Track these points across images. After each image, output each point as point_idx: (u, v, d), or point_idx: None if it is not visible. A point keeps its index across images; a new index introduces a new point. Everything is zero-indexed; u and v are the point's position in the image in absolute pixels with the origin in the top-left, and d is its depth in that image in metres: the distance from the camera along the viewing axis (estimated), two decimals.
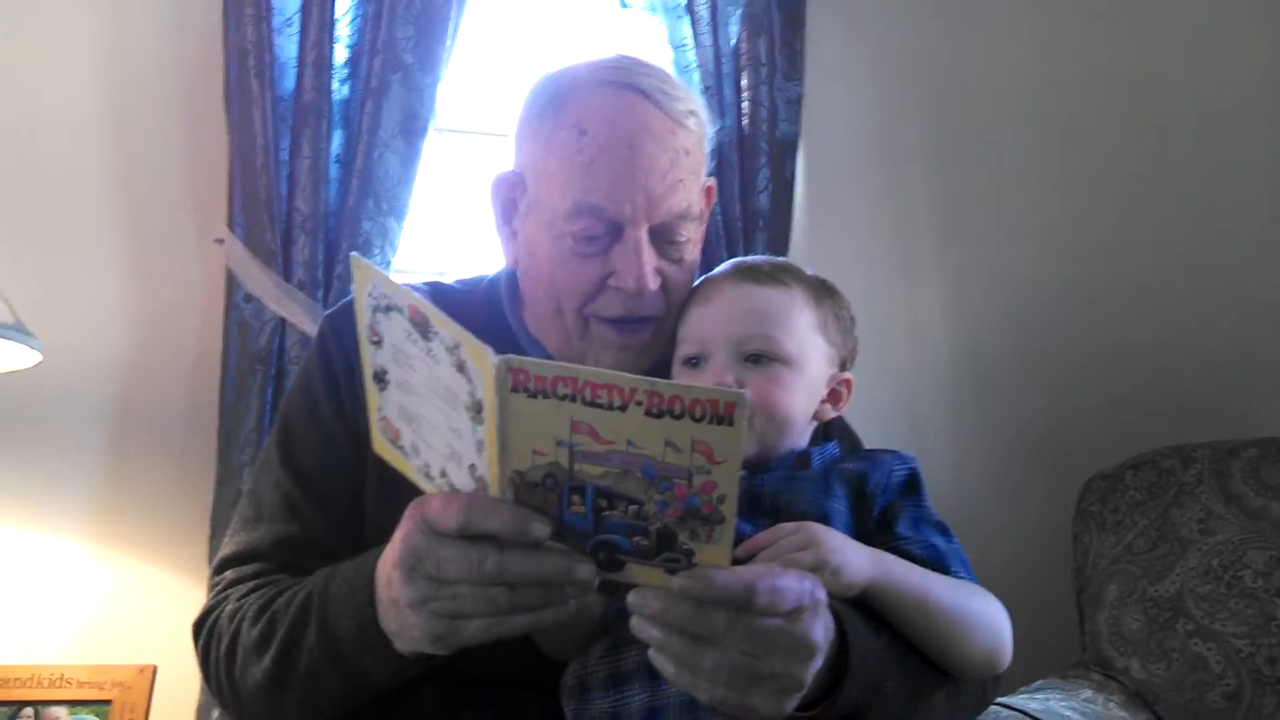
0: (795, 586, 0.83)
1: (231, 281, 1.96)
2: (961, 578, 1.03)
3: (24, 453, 1.92)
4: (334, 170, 2.02)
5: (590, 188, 1.11)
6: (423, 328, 0.80)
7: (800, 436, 1.11)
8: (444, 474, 0.85)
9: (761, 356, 1.07)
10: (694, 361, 1.11)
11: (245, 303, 1.95)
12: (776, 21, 2.31)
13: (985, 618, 1.02)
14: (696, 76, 2.23)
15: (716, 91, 2.24)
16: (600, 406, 0.74)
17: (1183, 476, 1.98)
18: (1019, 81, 2.51)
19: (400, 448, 0.90)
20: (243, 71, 1.98)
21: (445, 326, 0.78)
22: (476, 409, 0.77)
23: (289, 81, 2.02)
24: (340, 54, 2.05)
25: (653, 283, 1.13)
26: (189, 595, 1.89)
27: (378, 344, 0.87)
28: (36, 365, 1.72)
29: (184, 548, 1.92)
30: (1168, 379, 2.40)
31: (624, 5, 2.26)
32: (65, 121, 2.02)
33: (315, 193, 1.98)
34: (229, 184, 1.98)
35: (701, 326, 1.11)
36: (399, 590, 0.86)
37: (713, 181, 1.26)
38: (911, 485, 1.08)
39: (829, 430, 1.23)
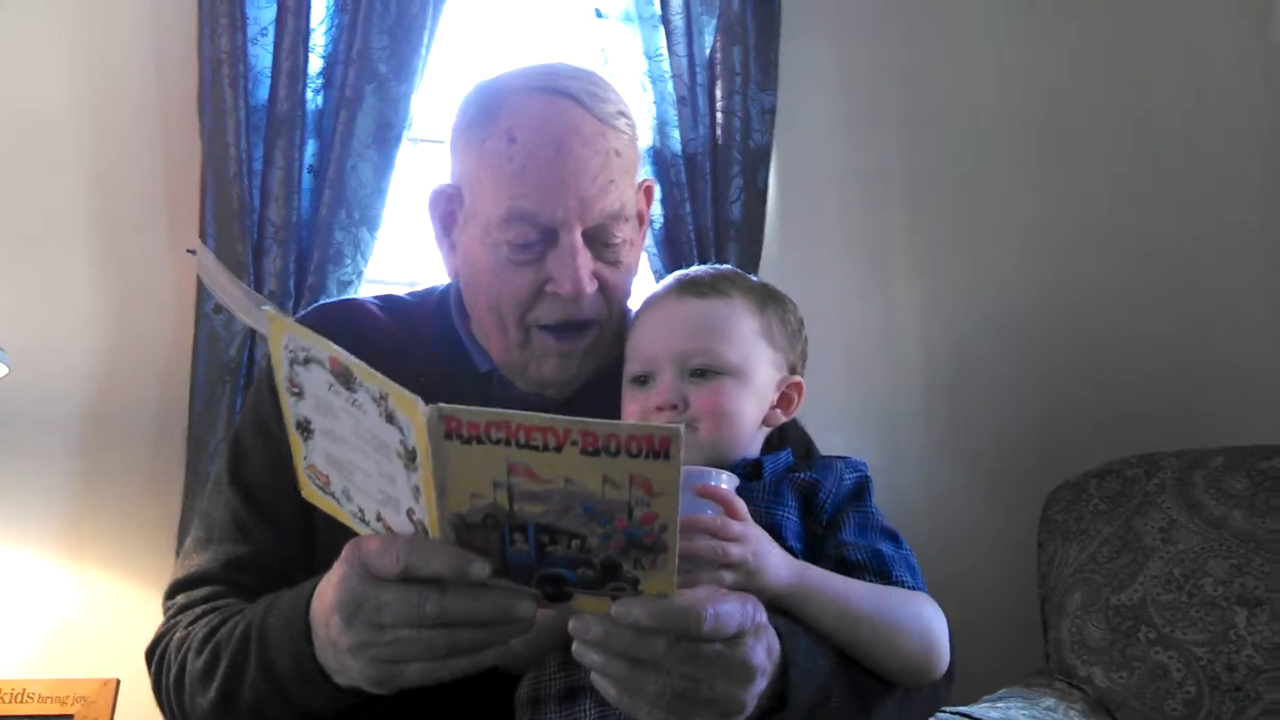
0: (737, 612, 0.85)
1: (201, 292, 1.97)
2: (905, 583, 1.04)
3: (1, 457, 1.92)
4: (307, 180, 2.03)
5: (521, 194, 1.12)
6: (345, 379, 0.81)
7: (751, 444, 1.12)
8: (379, 518, 0.86)
9: (706, 370, 1.09)
10: (642, 380, 1.12)
11: (215, 313, 1.96)
12: (751, 31, 2.32)
13: (913, 623, 1.02)
14: (671, 86, 2.25)
15: (690, 101, 2.26)
16: (535, 448, 0.75)
17: (1146, 485, 2.01)
18: (994, 89, 2.53)
19: (330, 494, 0.90)
20: (216, 81, 1.98)
21: (370, 378, 0.79)
22: (410, 456, 0.78)
23: (263, 91, 2.02)
24: (315, 64, 2.06)
25: (589, 286, 1.14)
26: (154, 608, 1.88)
27: (298, 395, 0.87)
28: (4, 376, 1.72)
29: (150, 559, 1.92)
30: (1141, 387, 2.43)
31: (599, 15, 2.27)
32: (38, 129, 2.02)
33: (287, 203, 1.98)
34: (201, 194, 1.99)
35: (646, 344, 1.13)
36: (337, 634, 0.87)
37: (651, 181, 1.28)
38: (859, 492, 1.09)
39: (783, 436, 1.24)
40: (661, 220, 2.23)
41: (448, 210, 1.23)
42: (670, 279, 1.18)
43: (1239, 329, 2.49)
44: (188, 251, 2.00)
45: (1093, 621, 1.93)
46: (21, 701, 1.67)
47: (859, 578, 1.03)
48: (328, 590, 0.89)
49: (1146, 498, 1.99)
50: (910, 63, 2.50)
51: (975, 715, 1.42)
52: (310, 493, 0.93)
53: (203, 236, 1.98)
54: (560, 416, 0.74)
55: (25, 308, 1.95)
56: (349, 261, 2.02)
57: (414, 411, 0.76)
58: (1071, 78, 2.55)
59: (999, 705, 1.63)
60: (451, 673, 0.85)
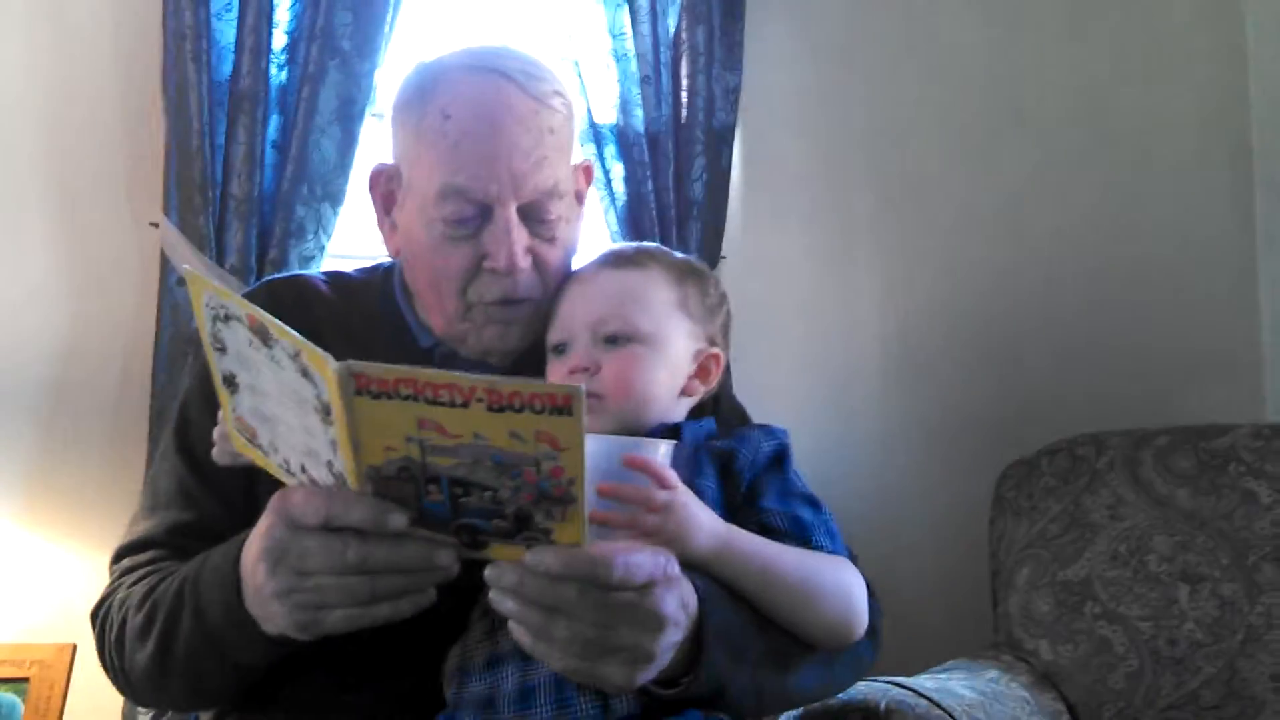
0: (647, 562, 0.88)
1: (165, 265, 1.99)
2: (825, 548, 1.08)
3: None
4: (270, 155, 2.04)
5: (455, 169, 1.15)
6: (263, 335, 0.83)
7: (668, 412, 1.15)
8: (304, 469, 0.89)
9: (618, 337, 1.12)
10: (560, 349, 1.16)
11: (179, 285, 1.97)
12: (716, 10, 2.34)
13: (834, 587, 1.06)
14: (634, 65, 2.26)
15: (654, 80, 2.27)
16: (443, 404, 0.78)
17: (1095, 463, 2.04)
18: (959, 73, 2.55)
19: (258, 445, 0.93)
20: (180, 56, 1.99)
21: (284, 335, 0.81)
22: (325, 411, 0.81)
23: (226, 67, 2.03)
24: (279, 40, 2.07)
25: (523, 260, 1.17)
26: None
27: (222, 350, 0.90)
28: None
29: (112, 527, 1.91)
30: (1093, 367, 2.47)
31: None
32: None
33: (250, 178, 1.99)
34: (165, 168, 2.00)
35: (565, 314, 1.17)
36: (262, 581, 0.90)
37: (589, 162, 1.31)
38: (778, 459, 1.12)
39: (718, 409, 1.27)
40: (625, 199, 2.25)
41: (387, 190, 1.26)
42: (598, 255, 1.21)
43: (1191, 311, 2.53)
44: (151, 225, 2.01)
45: (1040, 596, 1.96)
46: None
47: (780, 544, 1.06)
48: (254, 540, 0.92)
49: (1095, 475, 2.02)
50: (875, 43, 2.52)
51: (909, 685, 1.45)
52: (241, 444, 0.96)
53: (166, 210, 1.99)
54: (466, 374, 0.77)
55: None
56: (310, 236, 2.04)
57: (325, 368, 0.79)
58: (1035, 64, 2.57)
59: (939, 676, 1.67)
60: (373, 619, 0.89)
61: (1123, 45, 2.62)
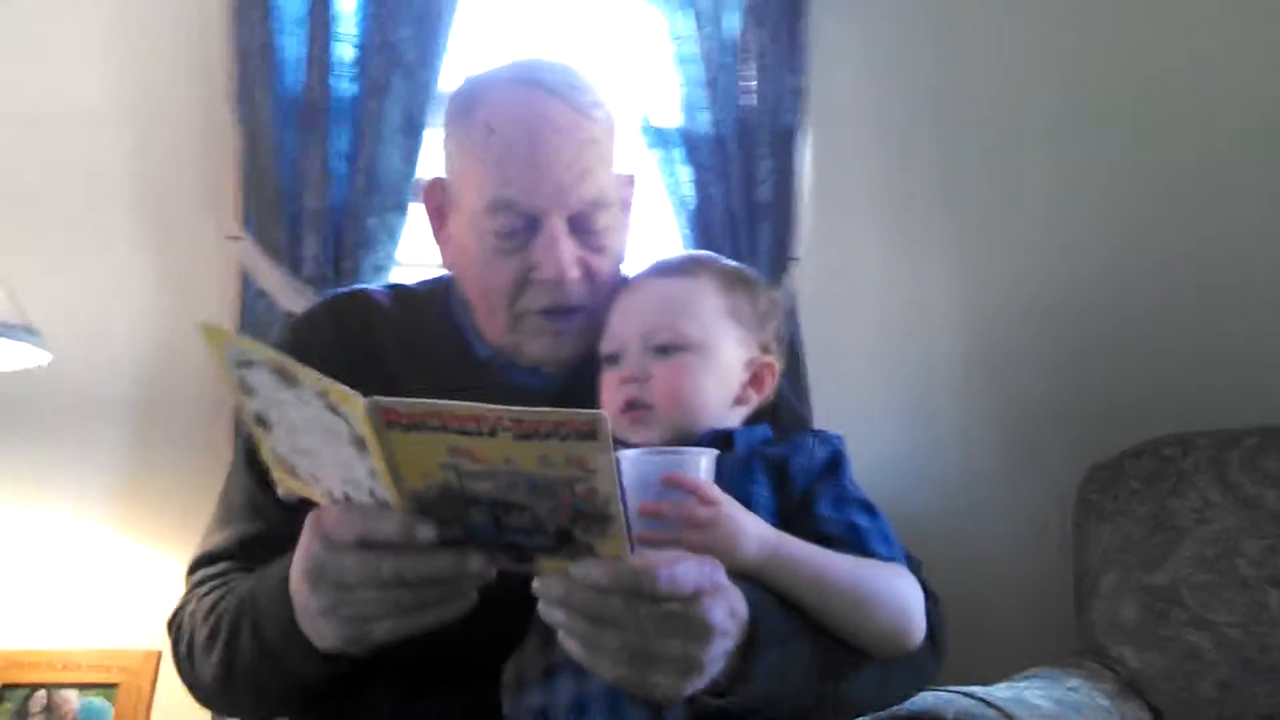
0: (693, 571, 0.87)
1: (245, 278, 2.03)
2: (881, 555, 1.06)
3: (46, 440, 2.01)
4: (340, 167, 2.07)
5: (502, 183, 1.16)
6: (286, 376, 0.84)
7: (720, 420, 1.14)
8: (346, 497, 0.90)
9: (669, 346, 1.12)
10: (613, 359, 1.16)
11: (258, 298, 2.02)
12: (778, 11, 2.30)
13: (888, 595, 1.04)
14: (697, 68, 2.24)
15: (718, 83, 2.25)
16: (471, 434, 0.78)
17: (1182, 465, 1.98)
18: (1028, 66, 2.48)
19: (300, 478, 0.94)
20: (249, 73, 2.03)
21: (308, 377, 0.83)
22: (359, 443, 0.82)
23: (295, 82, 2.07)
24: (346, 52, 2.10)
25: (572, 271, 1.17)
26: None
27: (249, 394, 0.90)
28: (54, 361, 1.79)
29: (200, 533, 1.99)
30: (1177, 364, 2.38)
31: None
32: (81, 125, 2.08)
33: (321, 190, 2.03)
34: (239, 182, 2.05)
35: (616, 324, 1.17)
36: (307, 598, 0.92)
37: (635, 172, 1.31)
38: (833, 465, 1.11)
39: (776, 416, 1.26)
40: (695, 202, 2.24)
41: (439, 204, 1.28)
42: (648, 265, 1.21)
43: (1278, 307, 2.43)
44: (230, 239, 2.06)
45: (1125, 602, 1.91)
46: (70, 670, 1.75)
47: (836, 551, 1.04)
48: (296, 560, 0.94)
49: (1182, 477, 1.96)
50: (942, 40, 2.46)
51: (979, 695, 1.41)
52: (283, 479, 0.97)
53: (244, 224, 2.04)
54: (491, 406, 0.78)
55: (71, 299, 2.03)
56: (381, 245, 2.07)
57: (354, 405, 0.80)
58: (1110, 54, 2.49)
59: (1017, 685, 1.63)
60: (420, 626, 0.90)
61: (1202, 36, 2.52)
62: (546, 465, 0.79)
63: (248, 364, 0.87)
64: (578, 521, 0.82)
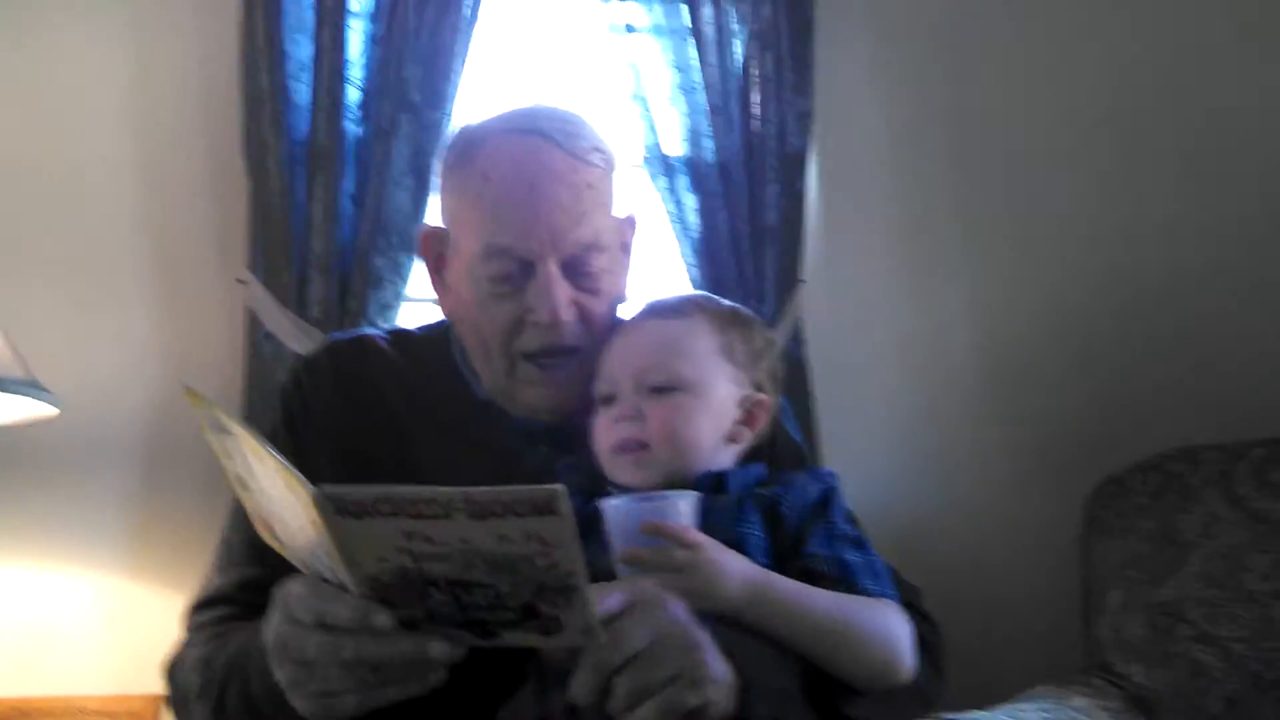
0: (634, 618, 0.92)
1: (253, 321, 2.07)
2: (870, 590, 1.08)
3: (53, 484, 2.03)
4: (347, 209, 2.10)
5: (497, 229, 1.19)
6: (252, 451, 0.87)
7: (713, 459, 1.16)
8: (309, 567, 0.93)
9: (663, 387, 1.14)
10: (607, 400, 1.18)
11: (266, 341, 2.05)
12: (784, 37, 2.31)
13: (873, 630, 1.06)
14: (702, 97, 2.27)
15: (723, 110, 2.28)
16: (425, 517, 0.79)
17: (1189, 479, 1.97)
18: (1037, 83, 2.48)
19: (278, 539, 0.97)
20: (258, 118, 2.08)
21: (267, 458, 0.84)
22: (315, 526, 0.84)
23: (303, 126, 2.11)
24: (352, 95, 2.14)
25: (565, 313, 1.20)
26: None
27: (228, 457, 0.93)
28: (61, 412, 1.81)
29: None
30: (1182, 379, 2.38)
31: (630, 30, 2.31)
32: (89, 173, 2.13)
33: (329, 232, 2.06)
34: (249, 226, 2.09)
35: (610, 364, 1.19)
36: (275, 671, 0.94)
37: (634, 214, 1.33)
38: (824, 503, 1.13)
39: (774, 450, 1.28)
40: (699, 230, 2.26)
41: (438, 251, 1.30)
42: (641, 306, 1.24)
43: None
44: (238, 281, 2.09)
45: (1133, 619, 1.91)
46: (75, 716, 1.78)
47: (825, 589, 1.07)
48: (265, 631, 0.96)
49: (1188, 492, 1.96)
50: (949, 61, 2.47)
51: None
52: (268, 537, 1.00)
53: (253, 268, 2.07)
54: (442, 488, 0.78)
55: (76, 349, 2.07)
56: (388, 285, 2.10)
57: (302, 493, 0.81)
58: (1122, 70, 2.49)
59: (1020, 706, 1.63)
60: (386, 700, 0.92)
61: (1217, 41, 2.52)
62: (505, 542, 0.79)
63: (224, 431, 0.90)
64: (542, 595, 0.83)
